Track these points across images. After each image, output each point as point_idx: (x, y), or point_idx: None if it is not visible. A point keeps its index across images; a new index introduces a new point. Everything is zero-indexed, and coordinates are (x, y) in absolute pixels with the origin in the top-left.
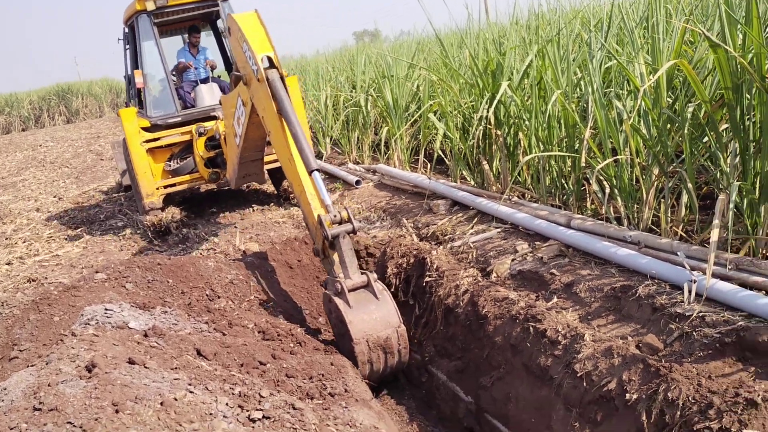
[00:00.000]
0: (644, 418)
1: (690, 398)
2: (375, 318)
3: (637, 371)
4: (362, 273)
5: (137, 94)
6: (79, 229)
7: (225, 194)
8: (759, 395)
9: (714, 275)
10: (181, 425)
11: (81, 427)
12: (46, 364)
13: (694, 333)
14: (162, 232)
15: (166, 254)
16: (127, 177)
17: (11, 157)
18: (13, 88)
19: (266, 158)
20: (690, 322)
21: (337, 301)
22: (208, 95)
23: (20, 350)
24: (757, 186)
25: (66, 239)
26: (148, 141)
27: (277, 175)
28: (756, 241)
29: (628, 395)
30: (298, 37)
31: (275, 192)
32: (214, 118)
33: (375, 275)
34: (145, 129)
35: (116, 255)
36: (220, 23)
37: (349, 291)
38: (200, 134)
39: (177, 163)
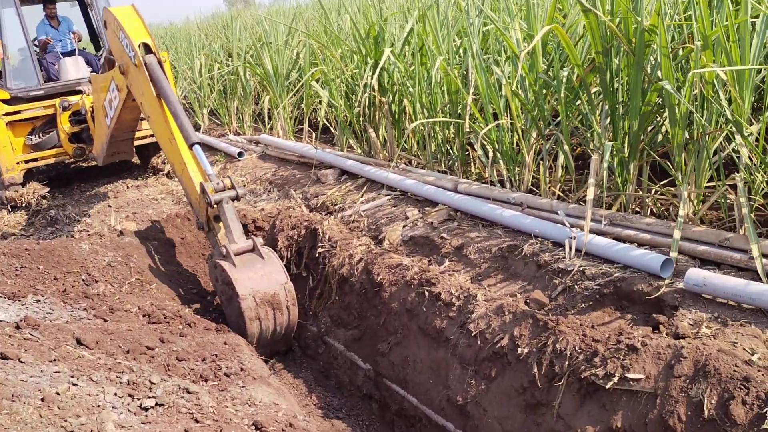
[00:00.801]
0: (536, 370)
1: (576, 348)
2: (261, 275)
3: (527, 326)
4: (248, 238)
5: None
6: None
7: (95, 171)
8: (638, 341)
9: (591, 231)
10: (66, 420)
11: None
12: None
13: (576, 286)
14: (23, 208)
15: (33, 239)
16: None
17: None
18: None
19: (137, 134)
20: (572, 276)
21: (223, 263)
22: (73, 68)
23: None
24: (626, 145)
25: None
26: (7, 114)
27: (144, 152)
28: (626, 197)
29: (519, 350)
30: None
31: (143, 165)
32: (80, 92)
33: (261, 239)
34: (5, 101)
35: None
36: None
37: (235, 254)
38: (64, 108)
39: (39, 137)
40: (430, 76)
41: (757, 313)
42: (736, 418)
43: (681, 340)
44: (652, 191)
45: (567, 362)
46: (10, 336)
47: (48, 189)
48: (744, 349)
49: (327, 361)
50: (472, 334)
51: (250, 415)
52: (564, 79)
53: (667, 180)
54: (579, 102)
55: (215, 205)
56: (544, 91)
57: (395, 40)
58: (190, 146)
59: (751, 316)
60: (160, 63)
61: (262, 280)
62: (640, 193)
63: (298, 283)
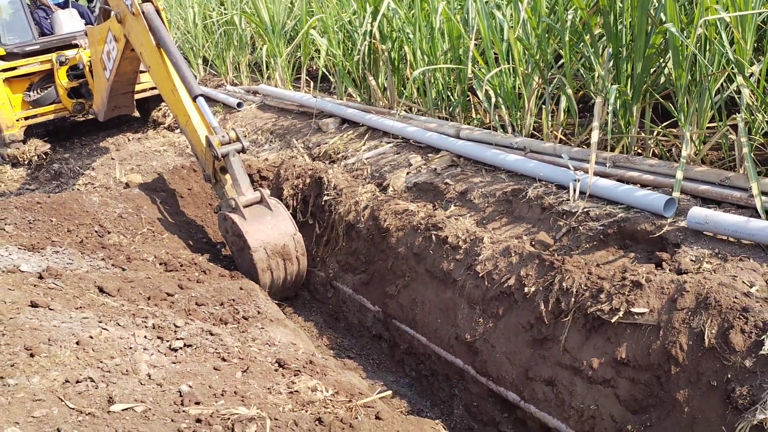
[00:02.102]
0: (542, 308)
1: (582, 286)
2: (271, 227)
3: (534, 266)
4: (255, 190)
5: None
6: None
7: (94, 125)
8: (643, 277)
9: (595, 173)
10: (102, 362)
11: None
12: None
13: (580, 227)
14: (25, 165)
15: (39, 192)
16: None
17: None
18: None
19: (137, 87)
20: (576, 217)
21: (233, 216)
22: (67, 21)
23: None
24: (629, 88)
25: None
26: (4, 70)
27: (145, 106)
28: (629, 139)
29: (526, 289)
30: None
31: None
32: (76, 46)
33: (268, 191)
34: (0, 58)
35: None
36: None
37: (244, 207)
38: (61, 63)
39: (37, 93)
40: (431, 22)
41: (756, 248)
42: (735, 345)
43: (683, 275)
44: (655, 133)
45: (573, 299)
46: (35, 285)
47: (49, 146)
48: (743, 282)
49: (336, 304)
50: (480, 275)
51: (272, 353)
52: (568, 23)
53: (669, 122)
54: (582, 45)
55: (222, 158)
56: (546, 34)
57: None
58: (194, 98)
59: (750, 251)
60: (158, 11)
61: (271, 232)
62: (643, 135)
63: (305, 230)
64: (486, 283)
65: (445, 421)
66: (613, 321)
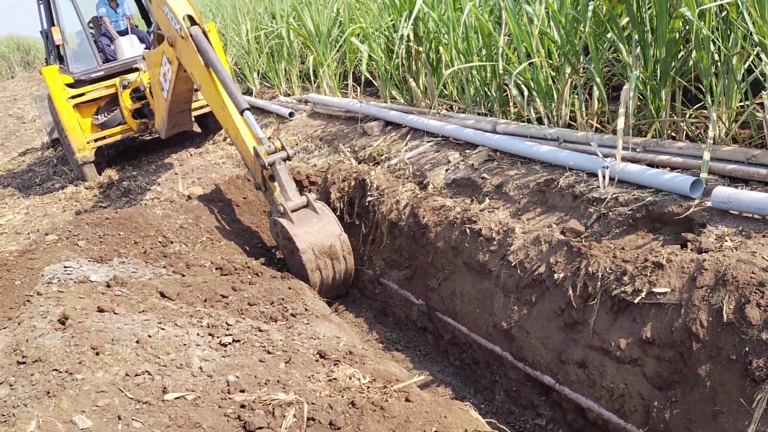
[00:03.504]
0: (570, 292)
1: (607, 269)
2: (317, 229)
3: (562, 253)
4: (302, 195)
5: (56, 50)
6: (17, 196)
7: (160, 143)
8: (664, 258)
9: (625, 159)
10: (159, 357)
11: (67, 372)
12: (18, 324)
13: (610, 213)
14: (103, 188)
15: (110, 209)
16: (54, 131)
17: None
18: None
19: (193, 105)
20: (606, 203)
21: (282, 221)
22: (128, 47)
23: None
24: (658, 73)
25: (5, 208)
26: (73, 97)
27: (204, 121)
28: (660, 124)
29: (556, 275)
30: None
31: (204, 133)
32: (137, 69)
33: (314, 195)
34: (69, 85)
35: (60, 216)
36: None
37: (291, 211)
38: (125, 87)
39: (105, 116)
40: (462, 20)
41: None
42: (752, 319)
43: (704, 254)
44: (687, 115)
45: (599, 283)
46: (102, 293)
47: (116, 172)
48: (762, 257)
49: (384, 300)
50: (512, 265)
51: (315, 346)
52: (590, 14)
53: (701, 104)
54: (610, 34)
55: (269, 167)
56: (574, 25)
57: None
58: (241, 112)
59: None
60: (204, 33)
61: (318, 234)
62: (675, 118)
63: (352, 231)
64: (518, 271)
65: (487, 406)
66: (636, 302)
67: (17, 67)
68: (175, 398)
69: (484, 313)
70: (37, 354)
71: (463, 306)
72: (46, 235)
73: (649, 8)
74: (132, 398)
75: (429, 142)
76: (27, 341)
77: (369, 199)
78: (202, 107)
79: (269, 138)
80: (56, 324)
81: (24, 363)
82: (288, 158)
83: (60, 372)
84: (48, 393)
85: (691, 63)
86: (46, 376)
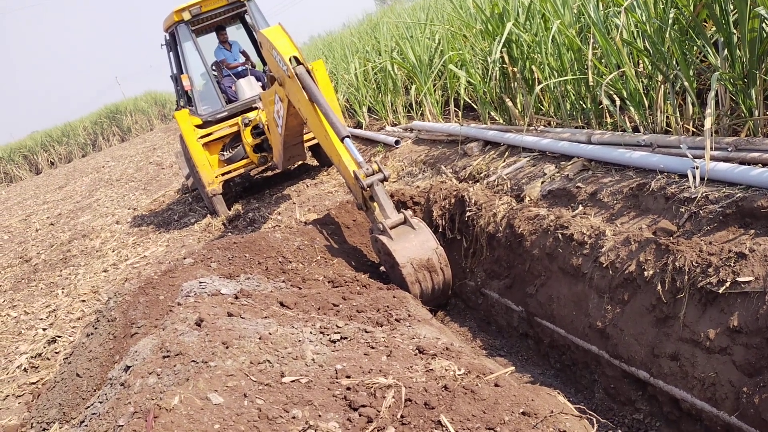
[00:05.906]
0: (659, 288)
1: (693, 263)
2: (415, 244)
3: (651, 251)
4: (400, 212)
5: (185, 94)
6: (159, 232)
7: (279, 177)
8: (746, 248)
9: (716, 159)
10: (278, 350)
11: (203, 361)
12: (164, 329)
13: (701, 211)
14: (231, 219)
15: (238, 235)
16: (191, 179)
17: (79, 182)
18: (66, 118)
19: (305, 137)
20: (696, 203)
21: (382, 238)
22: (247, 88)
23: (138, 327)
24: (744, 73)
25: (149, 242)
26: (203, 137)
27: (319, 151)
28: (753, 123)
29: (645, 273)
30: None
31: (320, 165)
32: (255, 108)
33: (410, 212)
34: (197, 126)
35: (196, 246)
36: (248, 18)
37: (390, 228)
38: (246, 125)
39: (230, 152)
40: (550, 39)
41: None
42: None
43: None
44: None
45: (686, 277)
46: (231, 303)
47: (241, 207)
48: None
49: (486, 309)
50: (604, 266)
51: (414, 343)
52: (670, 21)
53: None
54: (694, 38)
55: (368, 188)
56: (661, 33)
57: (519, 11)
58: (341, 140)
59: None
60: (308, 72)
61: (416, 248)
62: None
63: (453, 245)
64: (610, 272)
65: (587, 404)
66: (721, 292)
67: (155, 120)
68: (291, 381)
69: (580, 315)
70: (178, 349)
71: (559, 309)
72: (184, 258)
73: (734, 12)
74: (255, 381)
75: (525, 157)
76: (170, 340)
77: (468, 214)
78: (313, 138)
79: (368, 161)
80: (193, 326)
81: (168, 357)
82: (385, 179)
83: (197, 362)
84: (187, 379)
85: None
86: (185, 366)
